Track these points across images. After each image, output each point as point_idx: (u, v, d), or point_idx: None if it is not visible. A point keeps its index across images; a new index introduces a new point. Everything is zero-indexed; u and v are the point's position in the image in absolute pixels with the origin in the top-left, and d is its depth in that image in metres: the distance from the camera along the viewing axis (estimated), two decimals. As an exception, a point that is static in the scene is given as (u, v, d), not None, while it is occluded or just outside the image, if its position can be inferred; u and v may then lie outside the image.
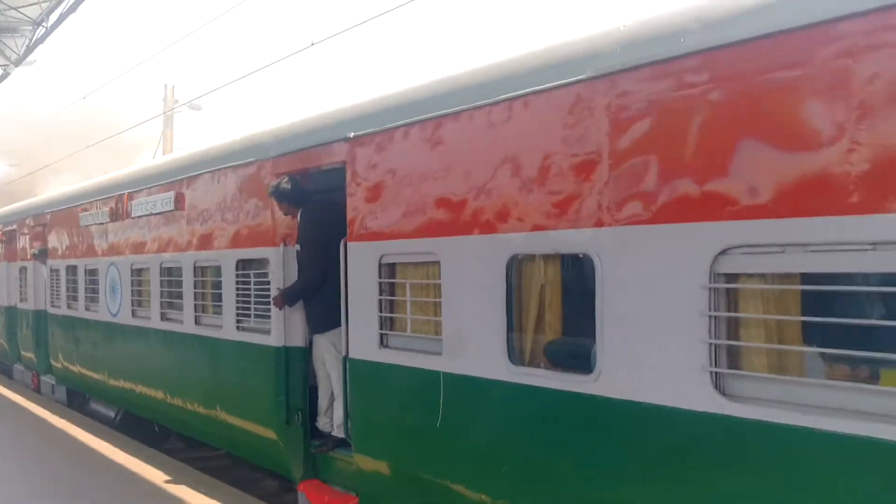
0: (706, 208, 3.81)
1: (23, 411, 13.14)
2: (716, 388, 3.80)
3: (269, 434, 7.47)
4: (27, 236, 15.32)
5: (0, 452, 10.17)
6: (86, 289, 12.13)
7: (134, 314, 10.41)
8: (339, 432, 6.91)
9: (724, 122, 3.74)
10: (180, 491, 8.08)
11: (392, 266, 5.95)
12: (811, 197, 3.42)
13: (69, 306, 12.98)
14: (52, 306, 13.88)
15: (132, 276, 10.41)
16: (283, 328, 7.21)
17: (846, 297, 3.57)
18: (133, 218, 10.33)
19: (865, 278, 3.42)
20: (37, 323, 14.81)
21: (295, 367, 7.24)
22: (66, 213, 13.11)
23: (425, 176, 5.52)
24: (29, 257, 15.17)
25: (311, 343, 7.21)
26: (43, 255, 14.35)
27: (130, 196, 10.43)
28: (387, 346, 5.96)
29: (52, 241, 13.80)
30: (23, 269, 15.71)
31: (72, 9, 14.89)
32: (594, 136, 4.31)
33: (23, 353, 16.04)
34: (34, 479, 8.69)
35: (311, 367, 7.25)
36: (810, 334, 3.67)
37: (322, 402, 7.17)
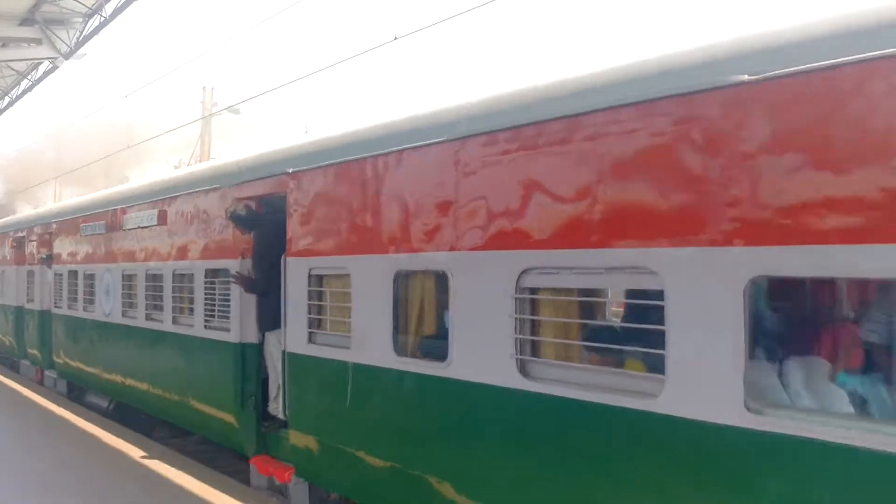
0: (514, 240, 5.23)
1: (28, 402, 14.63)
2: (519, 371, 5.21)
3: (228, 417, 8.92)
4: (35, 243, 16.86)
5: (8, 437, 11.64)
6: (84, 291, 13.63)
7: (124, 314, 11.90)
8: (284, 415, 8.34)
9: (524, 179, 5.16)
10: (156, 465, 9.52)
11: (319, 277, 7.39)
12: (571, 235, 4.84)
13: (70, 307, 14.48)
14: (55, 307, 15.39)
15: (123, 280, 11.90)
16: (240, 327, 8.67)
17: (602, 305, 4.98)
18: (125, 230, 11.84)
19: (604, 293, 4.84)
20: (41, 322, 16.33)
21: (250, 360, 8.68)
22: (69, 223, 14.64)
23: (341, 206, 6.97)
24: (36, 262, 16.71)
25: (263, 340, 8.66)
26: (49, 260, 15.87)
27: (123, 211, 11.94)
28: (313, 342, 7.40)
29: (57, 247, 15.33)
30: (30, 273, 17.25)
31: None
32: (448, 183, 5.75)
33: (29, 349, 17.57)
34: (35, 459, 10.13)
35: (264, 361, 8.70)
36: (581, 332, 5.09)
37: (272, 389, 8.60)
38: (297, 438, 7.70)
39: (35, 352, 16.99)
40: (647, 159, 4.40)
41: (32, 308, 16.99)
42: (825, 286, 4.42)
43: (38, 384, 16.81)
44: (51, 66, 18.56)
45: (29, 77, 21.63)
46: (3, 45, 18.17)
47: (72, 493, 8.56)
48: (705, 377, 4.10)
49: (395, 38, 11.23)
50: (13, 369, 19.41)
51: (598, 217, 4.67)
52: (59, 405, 13.97)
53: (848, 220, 3.56)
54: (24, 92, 22.51)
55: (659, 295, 4.34)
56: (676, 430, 4.26)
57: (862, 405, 3.95)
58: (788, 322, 4.65)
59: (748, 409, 3.92)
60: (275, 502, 8.15)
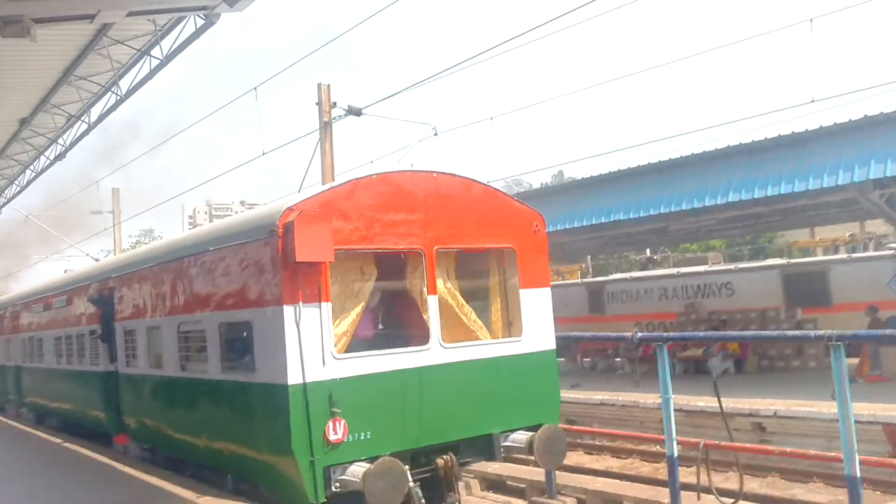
0: (176, 311, 11.80)
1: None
2: (181, 368, 11.75)
3: (101, 415, 15.52)
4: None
5: None
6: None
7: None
8: (128, 410, 14.89)
9: (176, 283, 11.75)
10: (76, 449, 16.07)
11: (131, 331, 13.98)
12: (190, 307, 11.42)
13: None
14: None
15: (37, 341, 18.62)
16: (102, 361, 15.26)
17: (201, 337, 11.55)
18: (46, 311, 18.57)
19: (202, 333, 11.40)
20: None
21: (111, 380, 15.26)
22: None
23: (130, 295, 13.59)
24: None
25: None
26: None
27: (51, 297, 18.69)
28: (128, 366, 13.99)
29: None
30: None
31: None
32: (157, 285, 12.38)
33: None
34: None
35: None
36: (198, 349, 11.67)
37: (125, 397, 15.17)
38: (129, 420, 14.26)
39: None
40: (210, 276, 11.02)
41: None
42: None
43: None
44: (204, 19, 13.27)
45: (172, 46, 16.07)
46: None
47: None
48: (212, 362, 10.65)
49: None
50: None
51: (202, 298, 11.27)
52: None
53: (206, 303, 10.15)
54: (165, 60, 16.21)
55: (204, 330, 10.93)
56: (219, 386, 10.84)
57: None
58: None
59: (221, 371, 10.47)
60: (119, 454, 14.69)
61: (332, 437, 9.18)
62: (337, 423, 9.24)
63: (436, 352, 10.19)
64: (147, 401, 13.23)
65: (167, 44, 16.16)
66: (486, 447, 10.62)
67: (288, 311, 9.08)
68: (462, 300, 10.78)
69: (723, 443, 11.57)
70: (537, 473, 13.63)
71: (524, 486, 14.13)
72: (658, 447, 16.55)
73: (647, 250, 42.92)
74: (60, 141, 22.33)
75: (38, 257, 45.74)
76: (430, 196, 10.39)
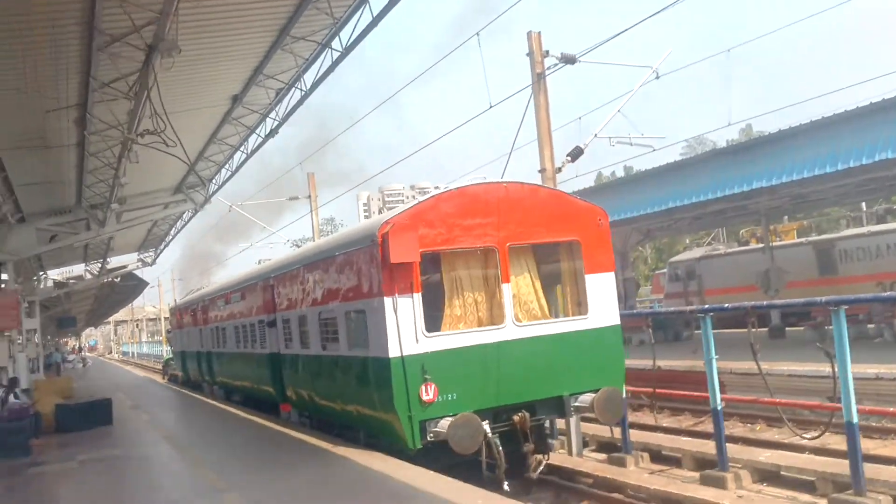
0: (317, 303, 14.90)
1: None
2: (322, 348, 14.84)
3: (270, 389, 19.06)
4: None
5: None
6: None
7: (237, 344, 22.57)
8: (291, 384, 18.33)
9: (315, 281, 14.83)
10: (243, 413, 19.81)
11: (286, 320, 17.30)
12: (326, 300, 14.46)
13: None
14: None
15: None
16: (269, 345, 18.78)
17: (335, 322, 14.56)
18: (233, 302, 22.53)
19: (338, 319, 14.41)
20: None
21: (276, 361, 18.77)
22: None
23: (285, 291, 16.90)
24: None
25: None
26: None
27: (229, 293, 22.67)
28: (287, 347, 17.33)
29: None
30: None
31: None
32: (304, 281, 15.54)
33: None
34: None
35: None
36: (334, 331, 14.70)
37: (288, 373, 18.64)
38: (289, 391, 17.65)
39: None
40: (337, 275, 14.00)
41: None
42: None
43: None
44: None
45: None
46: None
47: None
48: (342, 341, 13.60)
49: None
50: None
51: (333, 292, 14.28)
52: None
53: (336, 296, 13.01)
54: (389, 4, 14.09)
55: (338, 318, 13.90)
56: (347, 360, 13.82)
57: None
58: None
59: (348, 349, 13.39)
60: (285, 422, 18.12)
61: (425, 398, 11.78)
62: (428, 386, 11.83)
63: (510, 329, 12.54)
64: (300, 375, 16.49)
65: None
66: (557, 406, 12.85)
67: (388, 301, 11.78)
68: (535, 286, 13.05)
69: None
70: (831, 465, 11.99)
71: (813, 478, 11.94)
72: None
73: (863, 204, 36.99)
74: (272, 115, 20.29)
75: (244, 245, 47.53)
76: (502, 202, 12.71)
